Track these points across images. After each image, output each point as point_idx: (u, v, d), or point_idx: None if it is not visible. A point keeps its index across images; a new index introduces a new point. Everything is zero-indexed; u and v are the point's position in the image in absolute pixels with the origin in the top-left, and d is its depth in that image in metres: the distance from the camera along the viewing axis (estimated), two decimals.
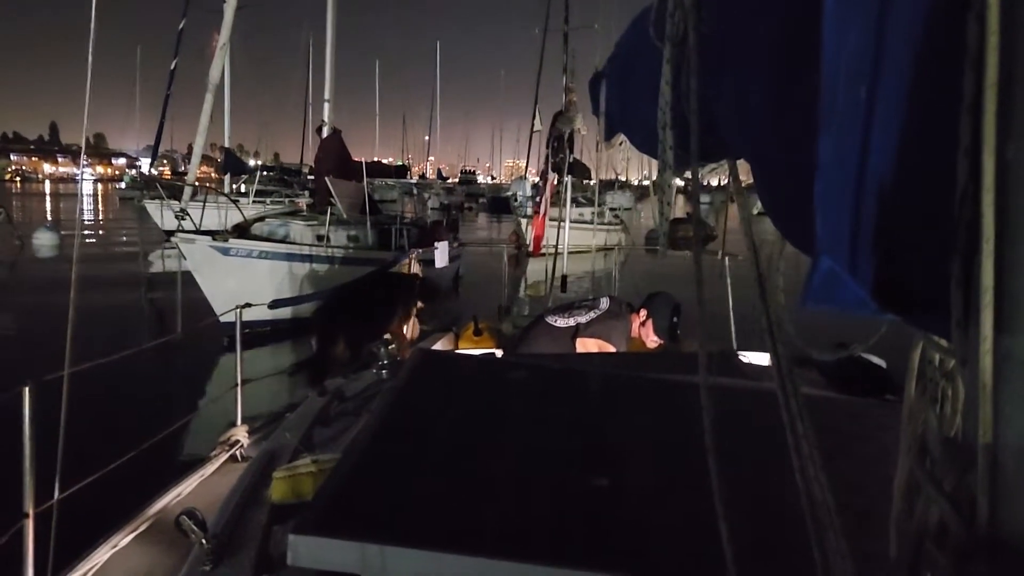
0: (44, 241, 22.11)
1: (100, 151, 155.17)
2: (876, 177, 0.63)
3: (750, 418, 1.51)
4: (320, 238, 12.89)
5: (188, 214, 11.27)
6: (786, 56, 0.75)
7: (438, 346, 4.84)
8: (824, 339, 0.93)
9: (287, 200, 24.35)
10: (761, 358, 3.27)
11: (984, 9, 0.54)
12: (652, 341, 3.99)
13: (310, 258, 12.09)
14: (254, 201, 18.68)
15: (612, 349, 3.87)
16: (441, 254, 11.35)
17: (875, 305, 0.65)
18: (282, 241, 12.58)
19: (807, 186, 0.65)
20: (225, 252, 11.06)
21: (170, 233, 15.12)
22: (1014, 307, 0.56)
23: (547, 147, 7.57)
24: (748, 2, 0.94)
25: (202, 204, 11.66)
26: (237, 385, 3.91)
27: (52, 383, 2.61)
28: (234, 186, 22.39)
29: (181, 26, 23.53)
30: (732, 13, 0.98)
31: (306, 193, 23.10)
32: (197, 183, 12.53)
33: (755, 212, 1.08)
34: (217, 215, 12.82)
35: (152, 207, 24.92)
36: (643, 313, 4.04)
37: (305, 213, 15.05)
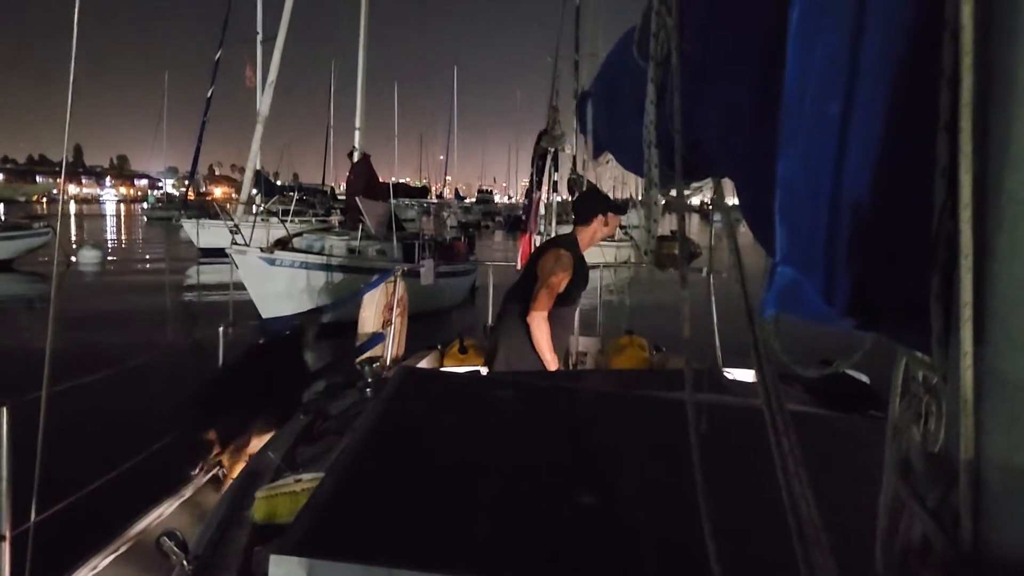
0: (88, 259, 23.65)
1: (123, 172, 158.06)
2: (845, 190, 0.64)
3: (736, 435, 1.51)
4: (352, 251, 14.87)
5: (240, 230, 13.08)
6: (765, 75, 0.76)
7: (423, 364, 4.83)
8: (809, 356, 0.94)
9: (314, 219, 25.66)
10: (746, 375, 3.28)
11: (959, 29, 0.55)
12: (603, 231, 4.15)
13: (343, 268, 13.78)
14: (289, 221, 19.94)
15: (564, 252, 4.06)
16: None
17: (836, 316, 0.65)
18: (319, 254, 14.30)
19: None
20: (271, 263, 12.86)
21: (205, 250, 20.77)
22: (993, 322, 0.56)
23: (532, 165, 7.59)
24: (729, 22, 0.95)
25: (252, 222, 13.76)
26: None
27: (34, 403, 2.57)
28: (257, 206, 23.17)
29: (217, 57, 25.20)
30: (714, 33, 0.99)
31: (337, 211, 24.70)
32: (241, 204, 15.70)
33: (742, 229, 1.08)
34: (260, 231, 14.74)
35: (189, 226, 27.17)
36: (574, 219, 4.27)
37: (338, 229, 17.11)
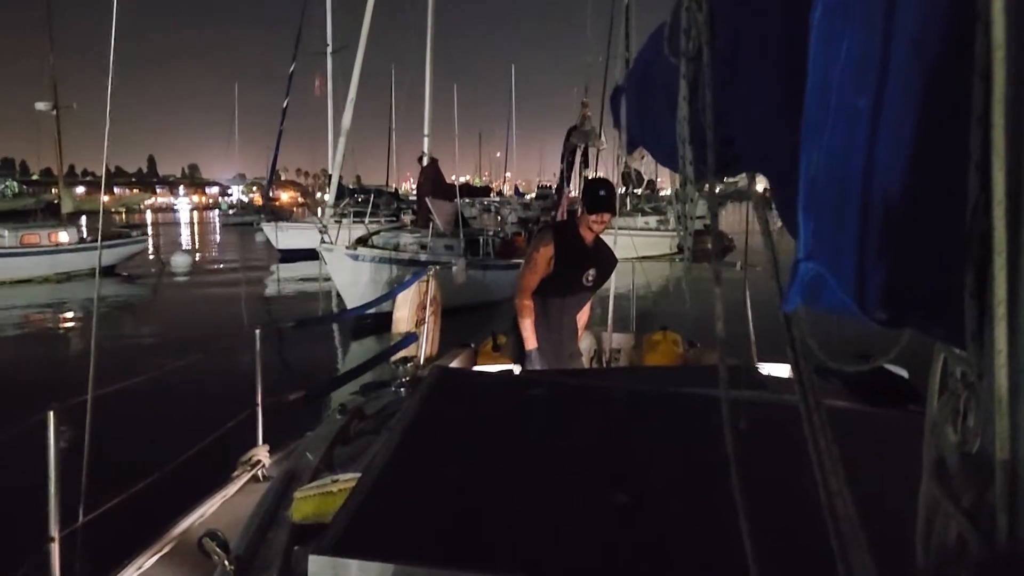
0: (180, 263, 26.40)
1: (195, 181, 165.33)
2: (875, 186, 0.63)
3: (772, 431, 1.50)
4: (423, 247, 16.41)
5: (327, 230, 15.04)
6: (796, 70, 0.75)
7: (457, 362, 4.85)
8: (846, 350, 0.93)
9: (383, 219, 27.36)
10: (782, 370, 3.24)
11: (991, 22, 0.55)
12: (596, 223, 4.03)
13: (416, 262, 14.83)
14: (361, 221, 21.53)
15: (540, 232, 4.27)
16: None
17: (861, 310, 0.65)
18: (395, 250, 16.04)
19: None
20: (355, 258, 14.72)
21: (283, 251, 25.52)
22: None
23: (562, 161, 7.58)
24: (760, 18, 0.94)
25: (337, 223, 15.52)
26: (258, 405, 3.92)
27: (78, 405, 2.64)
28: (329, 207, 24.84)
29: (291, 69, 27.78)
30: (745, 28, 0.99)
31: (409, 211, 27.03)
32: (323, 207, 18.00)
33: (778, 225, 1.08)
34: (346, 232, 16.43)
35: (268, 229, 29.99)
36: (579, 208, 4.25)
37: (410, 228, 19.06)
